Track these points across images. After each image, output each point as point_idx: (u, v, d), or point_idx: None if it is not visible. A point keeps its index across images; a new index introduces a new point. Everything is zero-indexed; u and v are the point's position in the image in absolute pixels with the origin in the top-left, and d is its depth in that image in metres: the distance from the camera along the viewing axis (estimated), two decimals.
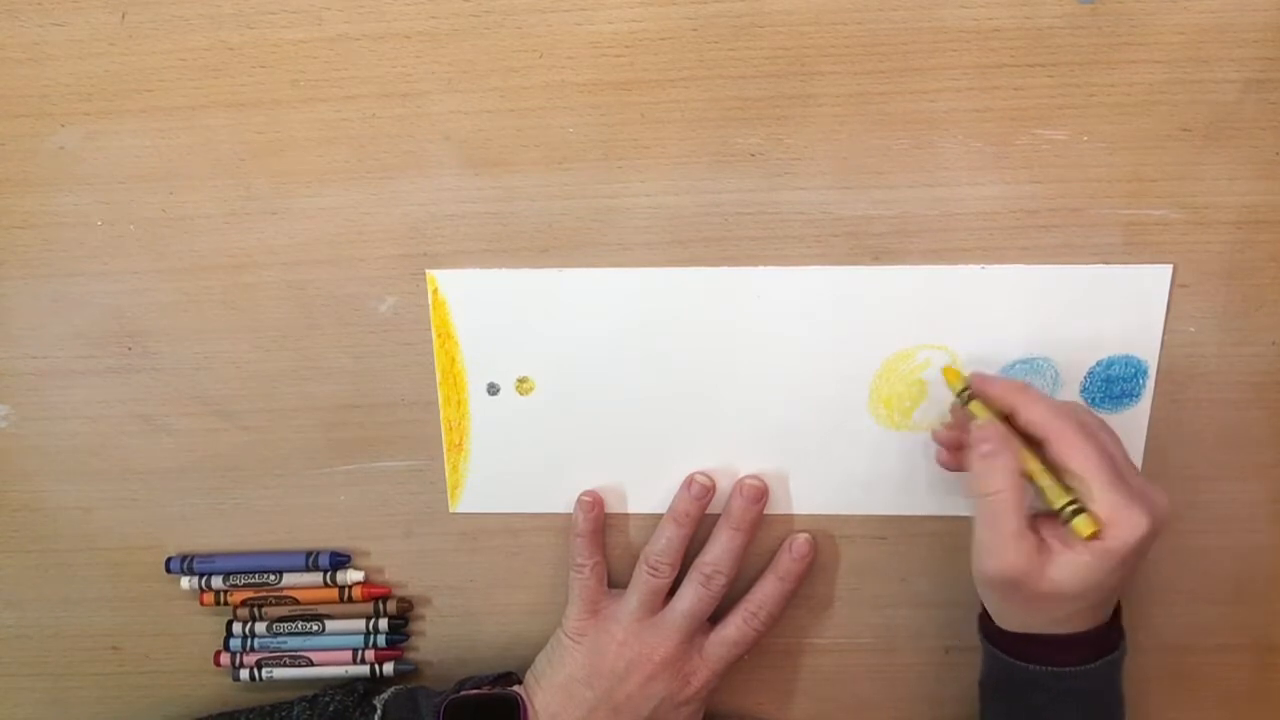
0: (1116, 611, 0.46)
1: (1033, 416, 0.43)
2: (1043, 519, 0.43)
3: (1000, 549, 0.42)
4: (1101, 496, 0.40)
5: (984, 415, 0.44)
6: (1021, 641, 0.45)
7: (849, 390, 0.50)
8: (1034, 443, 0.43)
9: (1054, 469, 0.42)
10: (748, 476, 0.51)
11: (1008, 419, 0.44)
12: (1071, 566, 0.41)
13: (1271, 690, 0.55)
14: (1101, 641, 0.44)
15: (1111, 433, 0.44)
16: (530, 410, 0.51)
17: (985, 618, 0.47)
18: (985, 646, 0.47)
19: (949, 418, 0.49)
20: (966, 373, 0.47)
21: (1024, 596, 0.42)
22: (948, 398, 0.49)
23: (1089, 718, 0.45)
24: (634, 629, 0.50)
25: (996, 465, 0.42)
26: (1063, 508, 0.41)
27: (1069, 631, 0.43)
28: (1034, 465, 0.43)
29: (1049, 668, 0.44)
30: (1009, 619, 0.45)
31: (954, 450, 0.48)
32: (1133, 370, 0.48)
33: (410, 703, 0.52)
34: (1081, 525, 0.40)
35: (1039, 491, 0.42)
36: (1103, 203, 0.46)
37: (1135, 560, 0.41)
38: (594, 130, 0.46)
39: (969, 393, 0.46)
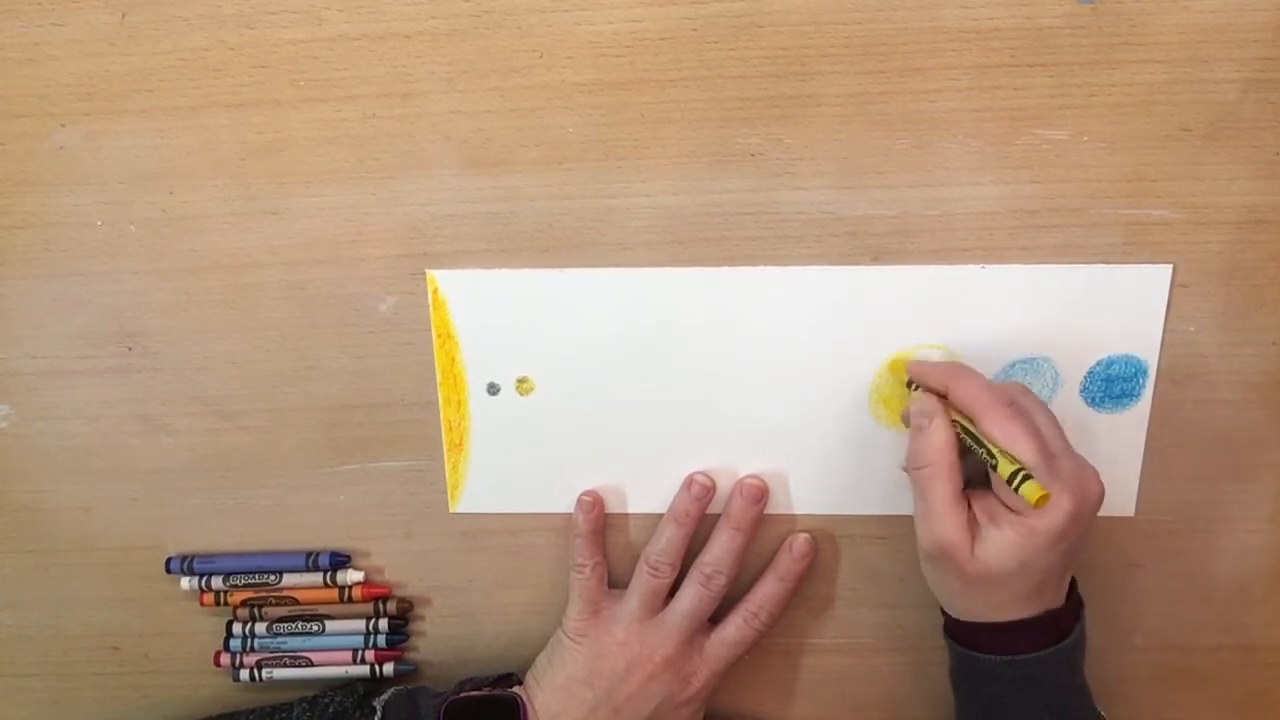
0: (1079, 601, 0.46)
1: (962, 393, 0.44)
2: (976, 494, 0.44)
3: (931, 521, 0.43)
4: None
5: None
6: (973, 631, 0.45)
7: (849, 390, 0.50)
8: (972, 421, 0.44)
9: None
10: (748, 476, 0.51)
11: (945, 400, 0.45)
12: (996, 544, 0.42)
13: (1271, 690, 0.55)
14: (1053, 629, 0.44)
15: (1048, 415, 0.44)
16: (530, 410, 0.51)
17: (945, 612, 0.47)
18: (946, 640, 0.48)
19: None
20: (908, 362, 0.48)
21: (956, 575, 0.43)
22: None
23: (1046, 707, 0.45)
24: (634, 629, 0.50)
25: (925, 438, 0.44)
26: (1012, 475, 0.41)
27: (1014, 618, 0.44)
28: (978, 438, 0.43)
29: (1001, 656, 0.44)
30: (953, 603, 0.46)
31: None
32: (1133, 370, 0.48)
33: (410, 704, 0.52)
34: (1029, 491, 0.40)
35: (989, 460, 0.42)
36: (1103, 203, 0.46)
37: (1065, 541, 0.42)
38: (594, 130, 0.46)
39: (911, 381, 0.47)
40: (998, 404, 0.43)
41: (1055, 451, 0.42)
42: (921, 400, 0.45)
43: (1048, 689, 0.45)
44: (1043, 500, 0.40)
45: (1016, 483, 0.41)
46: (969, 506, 0.44)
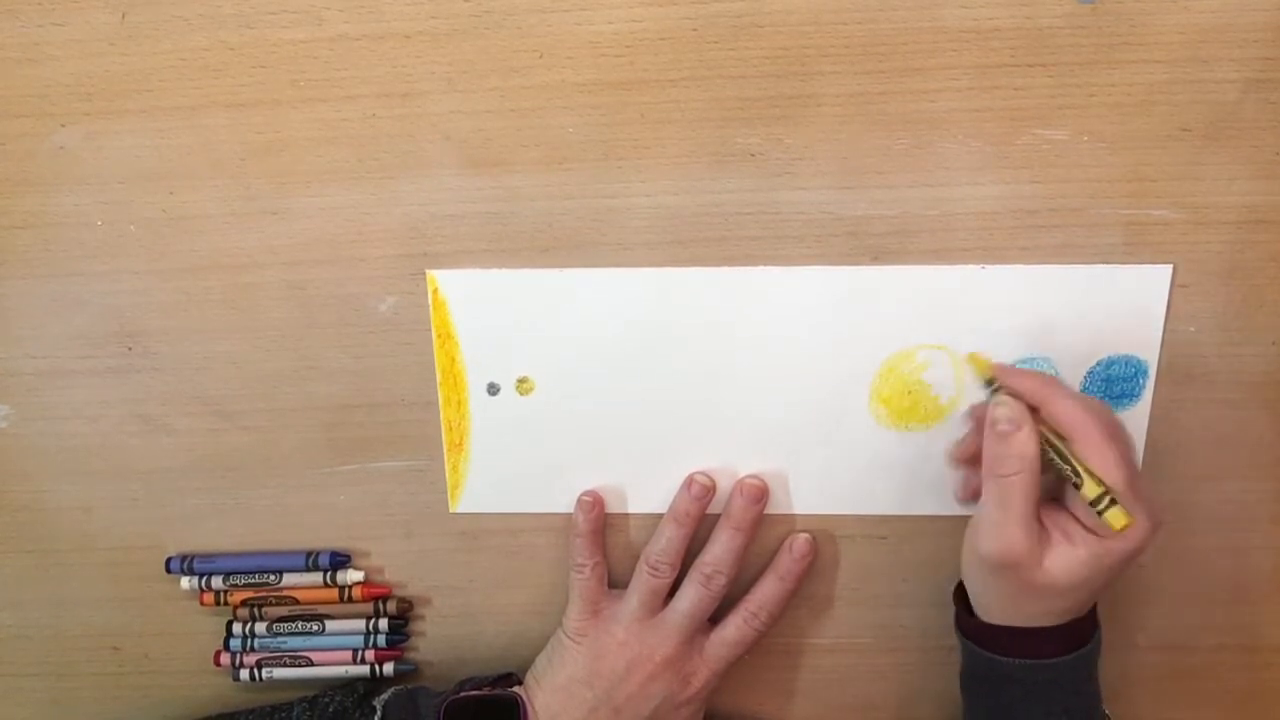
0: (1093, 606, 0.46)
1: (1060, 412, 0.42)
2: (1046, 508, 0.43)
3: (1006, 531, 0.42)
4: (1119, 499, 0.40)
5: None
6: (997, 635, 0.45)
7: (849, 390, 0.50)
8: (1059, 437, 0.43)
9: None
10: (748, 476, 0.51)
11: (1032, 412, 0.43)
12: (1067, 560, 0.42)
13: (1271, 690, 0.55)
14: (1076, 635, 0.44)
15: (1128, 437, 0.44)
16: (530, 410, 0.51)
17: (961, 614, 0.47)
18: (962, 641, 0.47)
19: (960, 435, 0.49)
20: (993, 363, 0.46)
21: (1016, 585, 0.43)
22: (949, 396, 0.49)
23: (1064, 711, 0.45)
24: (634, 629, 0.50)
25: (1013, 445, 0.42)
26: (1098, 498, 0.40)
27: (1045, 625, 0.44)
28: (1066, 455, 0.42)
29: (1023, 660, 0.44)
30: (992, 609, 0.45)
31: (974, 465, 0.46)
32: (1133, 370, 0.48)
33: (410, 703, 0.52)
34: (1115, 518, 0.40)
35: (1073, 479, 0.41)
36: (1103, 203, 0.46)
37: (1130, 565, 0.42)
38: (594, 130, 0.46)
39: (995, 384, 0.45)
40: (1095, 428, 0.41)
41: (1137, 474, 0.42)
42: (1011, 406, 0.43)
43: (1066, 693, 0.45)
44: (1127, 528, 0.40)
45: (1102, 507, 0.40)
46: (1040, 519, 0.43)
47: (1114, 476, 0.41)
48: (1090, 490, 0.41)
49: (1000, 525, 0.42)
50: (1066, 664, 0.44)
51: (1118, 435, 0.42)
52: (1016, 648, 0.45)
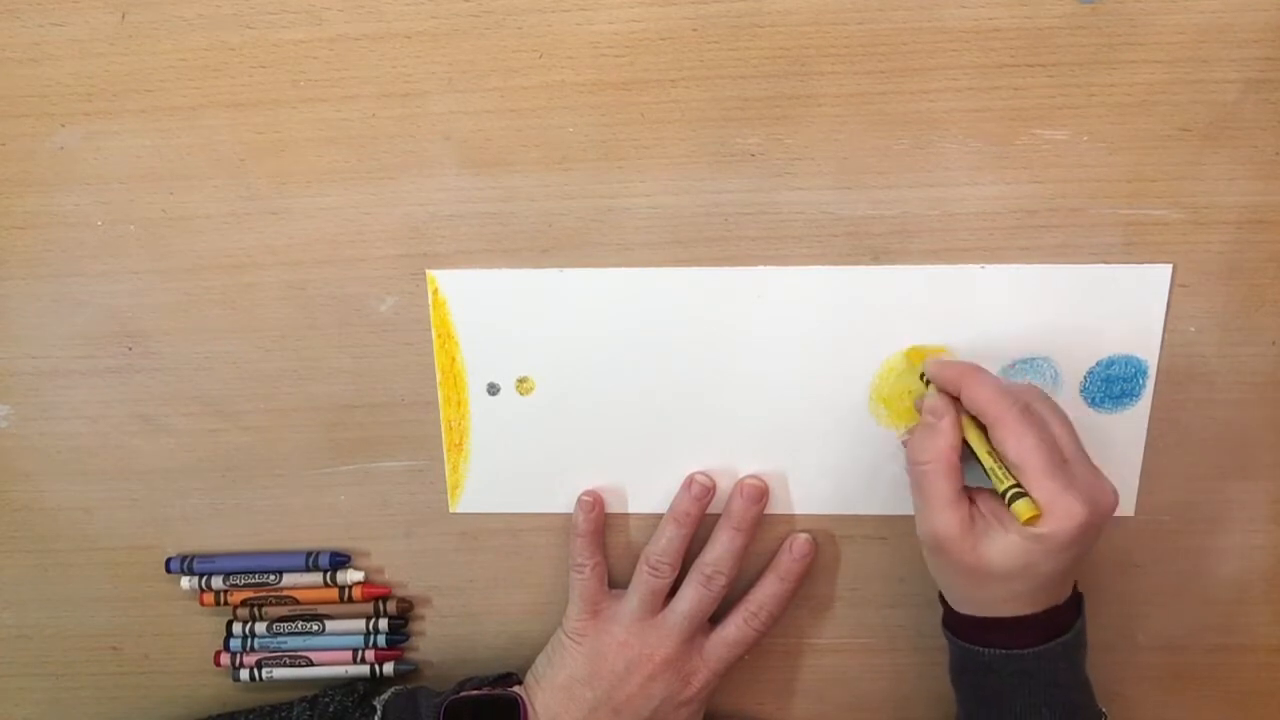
0: (1079, 596, 0.46)
1: (975, 399, 0.43)
2: (984, 494, 0.44)
3: (929, 516, 0.43)
4: (1035, 484, 0.41)
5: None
6: (975, 626, 0.45)
7: (849, 390, 0.50)
8: (982, 426, 0.44)
9: (997, 453, 0.43)
10: (748, 476, 0.51)
11: (959, 401, 0.45)
12: (1000, 545, 0.42)
13: (1271, 690, 0.55)
14: (1055, 625, 0.45)
15: (1063, 420, 0.44)
16: (530, 410, 0.51)
17: (946, 609, 0.48)
18: (946, 635, 0.48)
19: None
20: (926, 355, 0.48)
21: (956, 568, 0.44)
22: None
23: (1044, 701, 0.45)
24: (635, 629, 0.50)
25: (930, 437, 0.44)
26: (1005, 490, 0.41)
27: (1016, 614, 0.44)
28: (982, 448, 0.43)
29: (997, 650, 0.45)
30: (955, 596, 0.46)
31: None
32: (1133, 370, 0.48)
33: (410, 703, 0.52)
34: (1021, 509, 0.41)
35: (986, 473, 0.43)
36: (1103, 203, 0.46)
37: (1074, 549, 0.42)
38: (594, 130, 0.46)
39: (926, 376, 0.47)
40: (1011, 411, 0.42)
41: (1070, 458, 0.42)
42: (935, 399, 0.45)
43: (1046, 684, 0.45)
44: (1033, 520, 0.40)
45: (1008, 500, 0.41)
46: (974, 504, 0.44)
47: (1030, 460, 0.41)
48: (997, 482, 0.42)
49: (922, 511, 0.44)
50: (1042, 654, 0.44)
51: (1038, 420, 0.42)
52: (989, 638, 0.45)
